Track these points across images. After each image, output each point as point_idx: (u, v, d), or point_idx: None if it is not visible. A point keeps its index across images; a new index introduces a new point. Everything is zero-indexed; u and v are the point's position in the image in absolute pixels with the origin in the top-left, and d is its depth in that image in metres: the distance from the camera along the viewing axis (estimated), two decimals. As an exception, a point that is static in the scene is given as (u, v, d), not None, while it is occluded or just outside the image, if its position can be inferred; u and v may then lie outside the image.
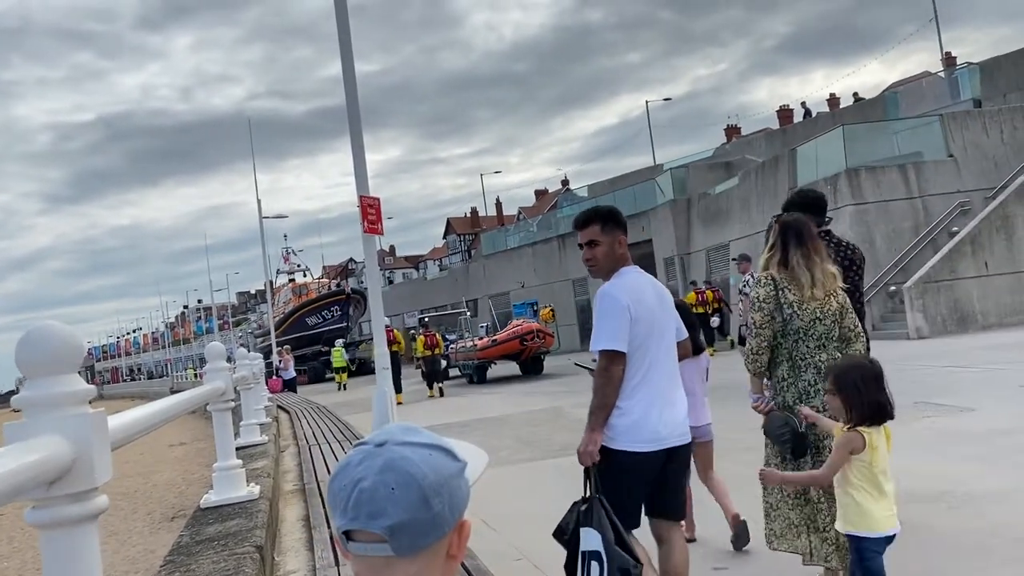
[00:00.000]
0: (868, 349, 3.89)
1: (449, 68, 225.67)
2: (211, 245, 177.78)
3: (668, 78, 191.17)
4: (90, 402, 1.81)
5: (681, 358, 3.61)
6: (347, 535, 0.98)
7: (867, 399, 3.18)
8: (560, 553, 3.33)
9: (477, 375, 21.76)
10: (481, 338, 23.52)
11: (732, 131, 51.65)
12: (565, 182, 67.37)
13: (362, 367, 34.94)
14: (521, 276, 38.79)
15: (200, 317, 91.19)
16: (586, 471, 3.28)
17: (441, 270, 63.21)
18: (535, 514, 6.10)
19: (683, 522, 4.49)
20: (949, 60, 39.24)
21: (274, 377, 26.04)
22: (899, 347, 16.34)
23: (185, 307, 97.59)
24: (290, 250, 54.25)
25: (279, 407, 16.33)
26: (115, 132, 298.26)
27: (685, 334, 3.65)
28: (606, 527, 3.11)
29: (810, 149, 22.88)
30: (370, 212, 8.36)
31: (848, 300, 3.82)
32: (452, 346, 23.93)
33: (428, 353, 19.65)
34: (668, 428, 3.33)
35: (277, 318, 43.21)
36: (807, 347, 3.70)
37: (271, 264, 46.35)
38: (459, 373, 23.19)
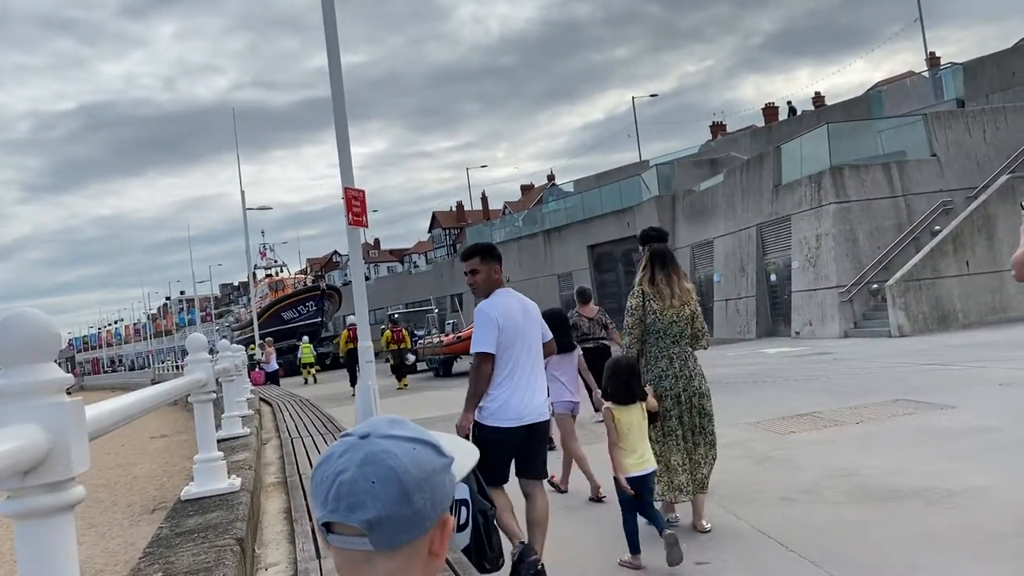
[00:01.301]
0: (708, 344, 5.27)
1: (436, 61, 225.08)
2: (194, 236, 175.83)
3: (655, 74, 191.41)
4: (69, 392, 1.78)
5: (547, 354, 4.62)
6: (327, 527, 0.97)
7: (615, 384, 4.64)
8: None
9: (443, 369, 22.87)
10: (448, 334, 24.42)
11: (718, 128, 51.82)
12: (551, 177, 67.40)
13: (336, 361, 35.35)
14: (507, 270, 38.18)
15: (182, 309, 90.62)
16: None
17: (428, 263, 63.07)
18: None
19: (554, 476, 6.27)
20: (933, 60, 39.51)
21: (256, 370, 25.91)
22: (881, 344, 16.47)
23: (167, 298, 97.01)
24: (267, 246, 54.74)
25: (261, 399, 16.24)
26: (97, 121, 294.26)
27: (550, 336, 4.66)
28: (471, 480, 4.00)
29: (795, 147, 22.98)
30: (355, 204, 8.31)
31: (699, 307, 5.20)
32: (420, 341, 25.38)
33: (395, 347, 20.94)
34: (527, 410, 4.27)
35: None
36: (665, 343, 5.04)
37: (254, 256, 46.55)
38: (426, 367, 24.24)
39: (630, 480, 4.51)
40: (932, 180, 20.65)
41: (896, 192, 20.53)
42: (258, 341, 29.01)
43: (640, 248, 5.40)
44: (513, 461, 4.42)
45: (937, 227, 19.78)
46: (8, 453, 1.50)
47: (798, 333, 21.16)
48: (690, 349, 5.11)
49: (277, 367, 27.01)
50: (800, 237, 21.47)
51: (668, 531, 4.41)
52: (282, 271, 55.24)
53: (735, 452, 7.28)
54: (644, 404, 4.69)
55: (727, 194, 25.66)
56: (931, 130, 21.08)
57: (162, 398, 3.74)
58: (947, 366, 11.61)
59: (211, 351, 6.08)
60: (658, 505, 4.85)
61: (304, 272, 66.02)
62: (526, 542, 4.31)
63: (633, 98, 51.03)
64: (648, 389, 4.88)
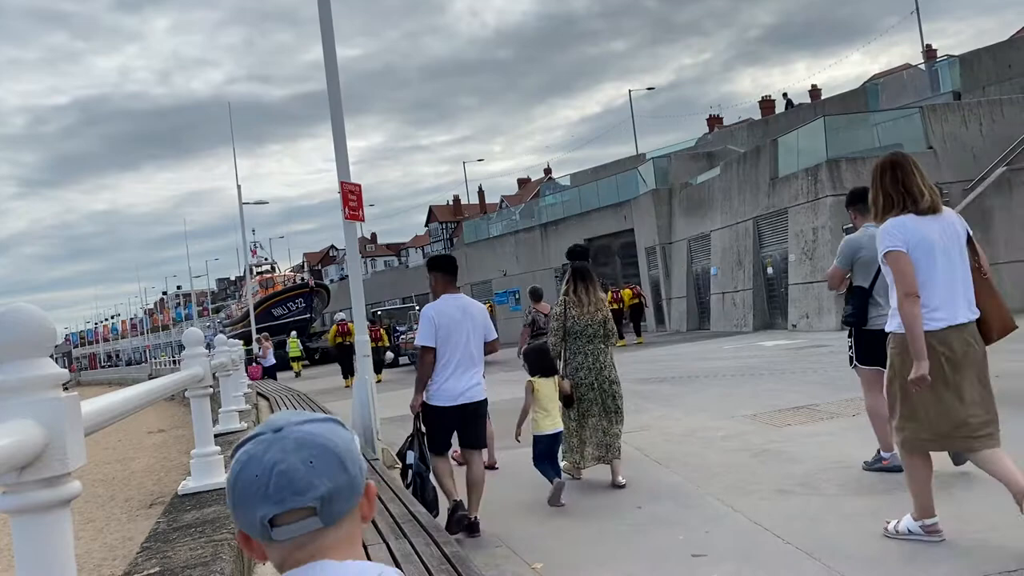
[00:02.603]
0: (617, 342, 6.15)
1: (432, 54, 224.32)
2: (190, 231, 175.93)
3: (652, 67, 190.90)
4: (66, 387, 1.79)
5: (489, 352, 5.64)
6: (269, 524, 0.99)
7: (535, 362, 6.05)
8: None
9: None
10: None
11: (714, 121, 51.77)
12: (548, 171, 67.33)
13: (325, 356, 35.86)
14: (503, 264, 38.77)
15: (179, 303, 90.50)
16: (414, 418, 5.47)
17: (424, 257, 63.12)
18: (520, 502, 6.12)
19: (484, 452, 6.73)
20: (930, 52, 39.52)
21: (254, 364, 25.93)
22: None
23: (164, 293, 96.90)
24: (257, 244, 55.67)
25: (258, 394, 16.23)
26: (91, 116, 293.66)
27: (494, 335, 5.70)
28: (415, 448, 5.40)
29: (791, 140, 22.95)
30: (351, 198, 8.31)
31: (609, 312, 6.51)
32: (403, 337, 26.18)
33: (373, 345, 21.59)
34: (461, 392, 5.36)
35: (244, 309, 43.97)
36: (581, 341, 6.31)
37: (249, 251, 46.94)
38: (408, 361, 24.94)
39: (543, 436, 5.84)
40: (928, 173, 20.10)
41: (892, 185, 20.51)
42: (255, 337, 29.10)
43: (569, 266, 6.86)
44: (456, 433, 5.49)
45: (933, 220, 19.76)
46: (4, 448, 1.50)
47: (795, 326, 21.19)
48: (603, 346, 6.37)
49: (274, 362, 27.05)
50: (797, 230, 21.48)
51: (558, 480, 5.74)
52: (273, 269, 55.88)
53: (732, 444, 7.30)
54: (556, 379, 6.05)
55: (724, 187, 25.65)
56: (927, 123, 21.06)
57: (158, 393, 3.74)
58: (943, 358, 11.63)
59: (208, 346, 6.08)
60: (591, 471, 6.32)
61: (299, 268, 66.27)
62: (459, 500, 5.23)
63: (630, 91, 50.88)
64: (565, 382, 6.17)
